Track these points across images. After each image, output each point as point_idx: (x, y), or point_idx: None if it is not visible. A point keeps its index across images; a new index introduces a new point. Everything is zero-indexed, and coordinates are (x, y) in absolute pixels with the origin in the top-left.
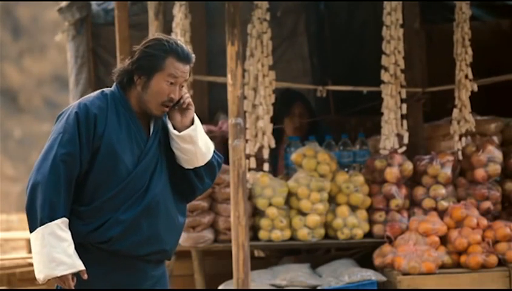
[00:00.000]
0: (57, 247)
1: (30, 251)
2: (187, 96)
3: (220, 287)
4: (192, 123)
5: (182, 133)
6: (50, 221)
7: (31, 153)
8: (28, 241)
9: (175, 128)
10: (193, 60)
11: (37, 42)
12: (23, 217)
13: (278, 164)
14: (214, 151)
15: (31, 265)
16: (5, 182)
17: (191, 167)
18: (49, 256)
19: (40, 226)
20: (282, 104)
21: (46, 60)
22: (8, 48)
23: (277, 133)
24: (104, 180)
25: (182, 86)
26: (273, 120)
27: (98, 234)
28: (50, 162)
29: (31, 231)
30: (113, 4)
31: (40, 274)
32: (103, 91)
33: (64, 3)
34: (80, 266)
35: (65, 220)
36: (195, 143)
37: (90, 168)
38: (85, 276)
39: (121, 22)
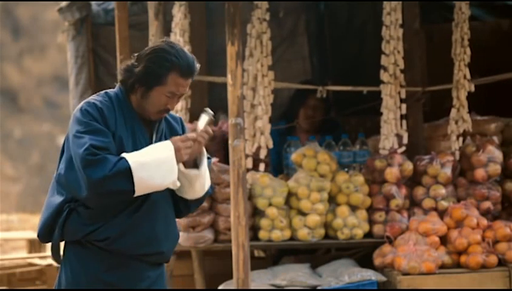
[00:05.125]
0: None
1: (30, 251)
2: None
3: (220, 287)
4: (196, 163)
5: (183, 170)
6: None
7: (31, 153)
8: (28, 241)
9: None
10: (197, 72)
11: (37, 42)
12: (23, 217)
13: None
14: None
15: (31, 265)
16: (5, 182)
17: (179, 194)
18: (162, 166)
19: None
20: (297, 97)
21: (46, 60)
22: (8, 48)
23: (283, 132)
24: None
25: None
26: (271, 120)
27: (96, 233)
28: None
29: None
30: (113, 4)
31: (171, 176)
32: (106, 92)
33: (64, 3)
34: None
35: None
36: (192, 186)
37: None
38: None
39: (121, 22)
